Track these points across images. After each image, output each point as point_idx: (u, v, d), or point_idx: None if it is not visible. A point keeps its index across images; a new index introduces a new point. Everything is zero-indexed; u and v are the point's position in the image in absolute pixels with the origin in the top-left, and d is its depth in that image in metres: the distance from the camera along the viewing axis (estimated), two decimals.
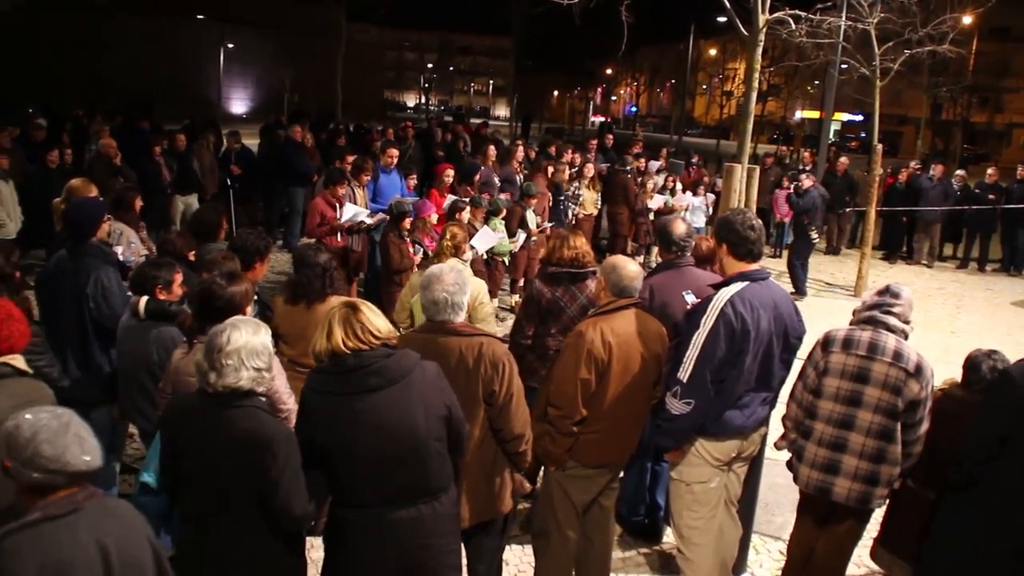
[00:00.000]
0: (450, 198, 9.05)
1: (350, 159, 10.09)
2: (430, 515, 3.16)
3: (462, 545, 3.57)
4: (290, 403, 3.84)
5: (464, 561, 3.88)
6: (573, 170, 12.01)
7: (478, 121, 24.75)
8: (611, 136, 16.67)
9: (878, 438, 3.93)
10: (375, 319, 3.12)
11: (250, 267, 4.91)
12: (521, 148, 12.52)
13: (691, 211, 12.56)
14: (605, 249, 12.47)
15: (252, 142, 15.24)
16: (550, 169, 11.27)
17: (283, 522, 2.96)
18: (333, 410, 3.05)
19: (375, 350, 3.07)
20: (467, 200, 8.67)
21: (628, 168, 12.82)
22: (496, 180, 11.04)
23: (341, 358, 3.05)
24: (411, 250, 7.60)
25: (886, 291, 4.11)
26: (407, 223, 7.72)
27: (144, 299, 4.46)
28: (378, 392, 3.04)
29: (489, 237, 8.30)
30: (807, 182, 12.03)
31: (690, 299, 4.56)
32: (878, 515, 4.44)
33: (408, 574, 3.17)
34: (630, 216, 12.51)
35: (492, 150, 12.03)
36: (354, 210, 8.45)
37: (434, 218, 8.13)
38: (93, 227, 5.10)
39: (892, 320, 3.99)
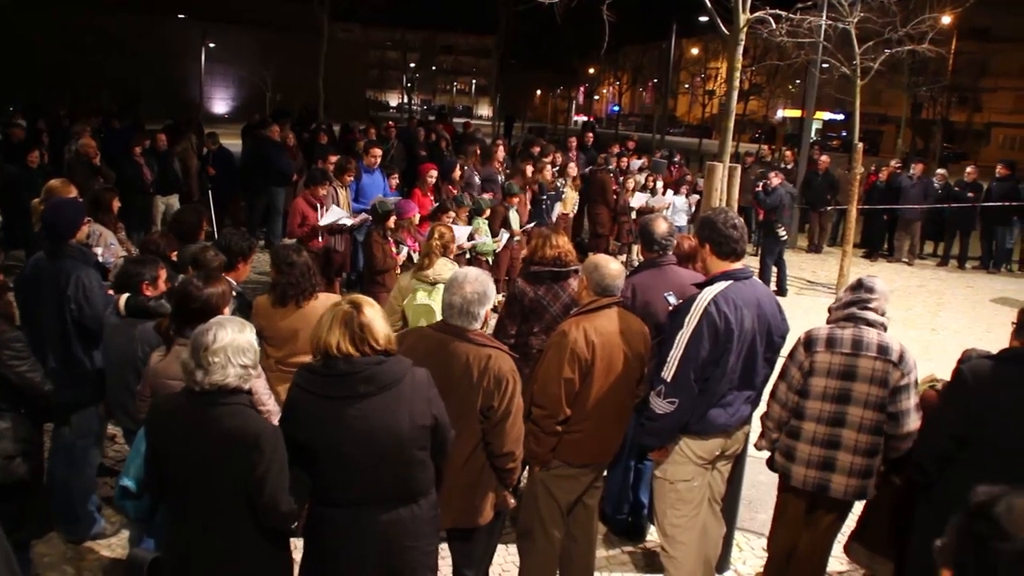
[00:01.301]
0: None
1: (333, 159, 10.05)
2: (409, 517, 3.15)
3: (445, 546, 3.56)
4: (270, 404, 3.83)
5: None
6: (555, 168, 12.01)
7: (462, 120, 24.63)
8: (591, 135, 16.67)
9: (870, 433, 3.96)
10: (377, 327, 3.08)
11: (233, 267, 4.90)
12: (502, 148, 12.50)
13: (673, 210, 12.59)
14: (587, 248, 12.49)
15: (235, 142, 15.19)
16: (528, 169, 11.22)
17: (269, 519, 2.95)
18: (320, 411, 3.04)
19: (368, 357, 3.05)
20: (453, 200, 8.66)
21: (609, 167, 12.86)
22: (477, 180, 11.03)
23: (333, 360, 3.03)
24: (394, 250, 7.59)
25: (860, 286, 4.12)
26: (391, 223, 7.70)
27: (125, 296, 4.44)
28: (367, 398, 3.02)
29: (459, 232, 8.31)
30: (775, 180, 12.09)
31: (672, 300, 4.57)
32: (856, 509, 4.47)
33: (387, 574, 3.17)
34: (610, 215, 12.54)
35: (476, 150, 12.02)
36: (337, 213, 8.44)
37: (416, 218, 8.11)
38: (72, 228, 5.06)
39: (871, 315, 4.01)
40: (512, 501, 3.91)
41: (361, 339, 3.03)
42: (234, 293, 4.39)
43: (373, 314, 3.10)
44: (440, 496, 3.48)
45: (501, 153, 12.18)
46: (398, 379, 3.08)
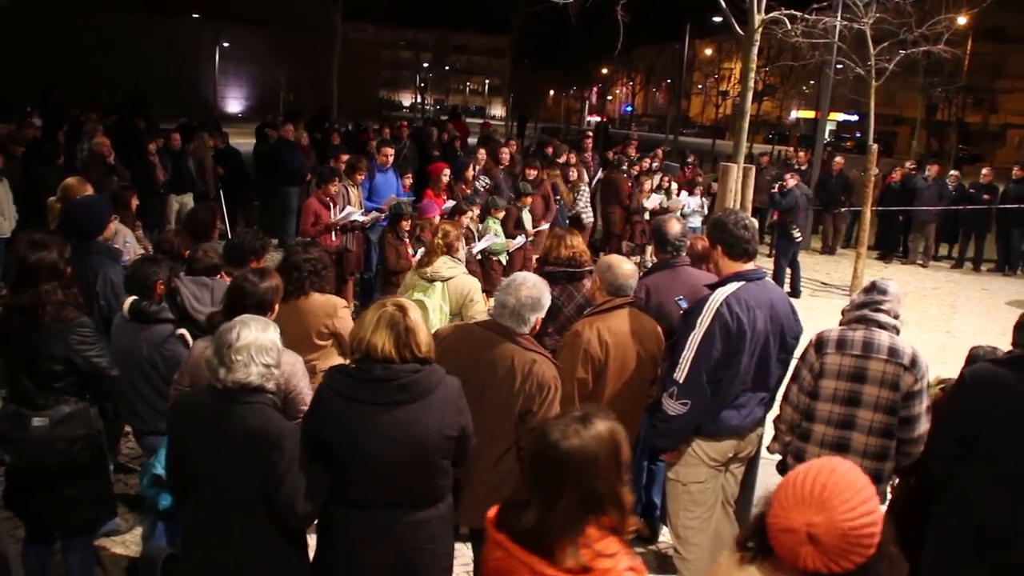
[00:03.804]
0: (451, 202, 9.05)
1: (344, 158, 10.07)
2: (426, 520, 3.14)
3: (458, 546, 3.56)
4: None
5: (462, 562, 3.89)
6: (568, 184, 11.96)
7: (480, 121, 24.43)
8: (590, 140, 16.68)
9: (880, 436, 3.92)
10: (421, 332, 3.07)
11: (244, 266, 4.90)
12: (506, 151, 12.42)
13: (687, 211, 12.57)
14: (599, 248, 12.49)
15: (251, 141, 15.22)
16: (532, 173, 11.06)
17: (286, 518, 2.97)
18: (349, 414, 3.03)
19: (406, 365, 3.04)
20: (466, 199, 8.67)
21: (622, 168, 12.86)
22: (482, 185, 11.01)
23: (370, 364, 3.02)
24: (409, 251, 7.61)
25: (873, 288, 4.10)
26: (405, 224, 7.72)
27: (130, 299, 4.46)
28: (400, 406, 3.01)
29: (485, 241, 8.35)
30: (791, 182, 12.06)
31: (684, 305, 4.56)
32: None
33: (400, 575, 3.16)
34: (623, 216, 12.55)
35: (482, 153, 11.98)
36: (348, 210, 8.49)
37: (436, 218, 8.13)
38: (101, 225, 5.13)
39: (883, 317, 3.98)
40: None
41: (405, 343, 3.02)
42: None
43: (418, 318, 3.10)
44: (467, 496, 3.51)
45: (506, 156, 12.02)
46: (431, 389, 3.07)
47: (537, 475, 2.29)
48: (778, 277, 11.47)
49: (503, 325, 3.61)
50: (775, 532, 2.04)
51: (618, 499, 2.27)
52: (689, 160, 16.29)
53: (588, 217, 12.01)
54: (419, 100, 70.14)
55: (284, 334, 4.68)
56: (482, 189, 10.65)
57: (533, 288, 3.61)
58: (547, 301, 3.69)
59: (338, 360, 4.58)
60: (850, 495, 1.98)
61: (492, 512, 2.39)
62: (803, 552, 1.97)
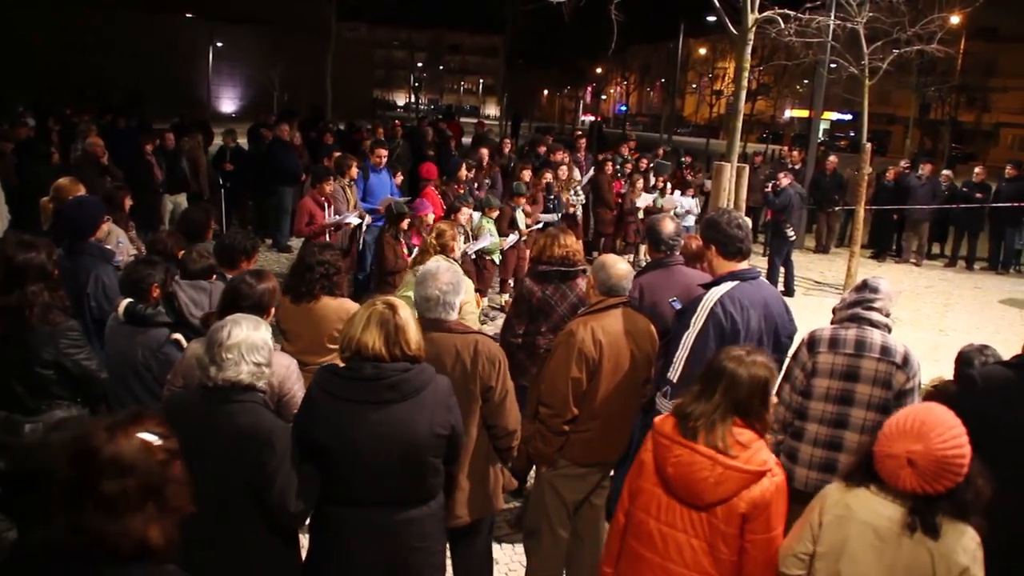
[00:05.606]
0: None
1: (336, 156, 10.07)
2: (418, 518, 3.16)
3: (447, 545, 3.58)
4: None
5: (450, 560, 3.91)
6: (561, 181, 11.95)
7: (474, 120, 24.41)
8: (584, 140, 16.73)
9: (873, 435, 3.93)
10: (411, 330, 3.09)
11: (235, 266, 4.90)
12: (506, 147, 12.48)
13: (680, 210, 12.57)
14: (591, 247, 12.51)
15: (242, 142, 15.16)
16: (526, 174, 11.03)
17: (278, 517, 2.97)
18: (340, 413, 3.03)
19: (396, 363, 3.05)
20: (457, 198, 8.67)
21: (615, 168, 12.89)
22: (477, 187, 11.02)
23: (360, 363, 3.03)
24: (405, 250, 7.61)
25: (864, 287, 4.10)
26: (404, 224, 7.71)
27: (125, 302, 4.45)
28: (390, 405, 3.02)
29: (482, 239, 8.35)
30: (784, 181, 12.06)
31: (677, 306, 4.56)
32: None
33: (393, 574, 3.16)
34: (612, 215, 12.57)
35: (484, 152, 11.99)
36: (346, 216, 8.53)
37: (430, 218, 8.11)
38: (94, 226, 5.12)
39: (875, 315, 3.98)
40: (514, 482, 3.97)
41: (395, 341, 3.04)
42: None
43: (408, 317, 3.11)
44: (458, 492, 3.53)
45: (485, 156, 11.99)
46: (422, 388, 3.08)
47: (704, 378, 3.04)
48: (772, 276, 11.48)
49: (433, 318, 3.62)
50: (880, 458, 2.62)
51: (761, 415, 2.99)
52: (684, 160, 16.30)
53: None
54: (413, 100, 70.04)
55: (296, 337, 4.76)
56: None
57: (448, 273, 3.66)
58: (464, 280, 3.76)
59: None
60: (943, 429, 2.55)
61: (661, 422, 3.11)
62: (903, 474, 2.54)
